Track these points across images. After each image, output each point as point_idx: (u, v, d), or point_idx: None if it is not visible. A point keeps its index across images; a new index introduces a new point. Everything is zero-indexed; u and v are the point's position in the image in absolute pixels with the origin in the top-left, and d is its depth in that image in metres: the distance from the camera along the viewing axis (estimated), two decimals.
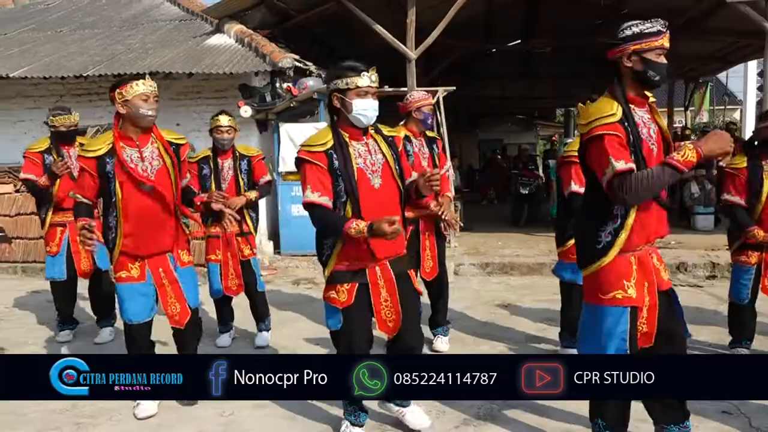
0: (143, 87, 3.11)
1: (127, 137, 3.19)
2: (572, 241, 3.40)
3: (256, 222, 4.55)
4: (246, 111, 7.24)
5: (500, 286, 6.43)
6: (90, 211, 3.24)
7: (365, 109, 2.70)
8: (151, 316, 3.34)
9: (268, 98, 7.47)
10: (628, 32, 2.36)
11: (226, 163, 4.39)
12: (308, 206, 2.75)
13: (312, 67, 8.31)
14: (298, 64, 7.73)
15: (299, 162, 2.78)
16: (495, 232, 9.42)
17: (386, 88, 9.19)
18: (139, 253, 3.25)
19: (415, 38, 8.46)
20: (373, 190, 2.75)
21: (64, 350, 4.57)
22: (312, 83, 7.57)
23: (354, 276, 2.79)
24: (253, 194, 4.37)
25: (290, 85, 7.53)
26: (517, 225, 10.45)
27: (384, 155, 2.82)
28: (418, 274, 4.00)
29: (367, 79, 2.69)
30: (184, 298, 3.34)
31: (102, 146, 3.16)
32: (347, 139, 2.77)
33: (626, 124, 2.34)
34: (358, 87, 2.68)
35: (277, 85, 7.51)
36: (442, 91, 9.25)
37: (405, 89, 8.62)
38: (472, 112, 19.34)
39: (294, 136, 7.65)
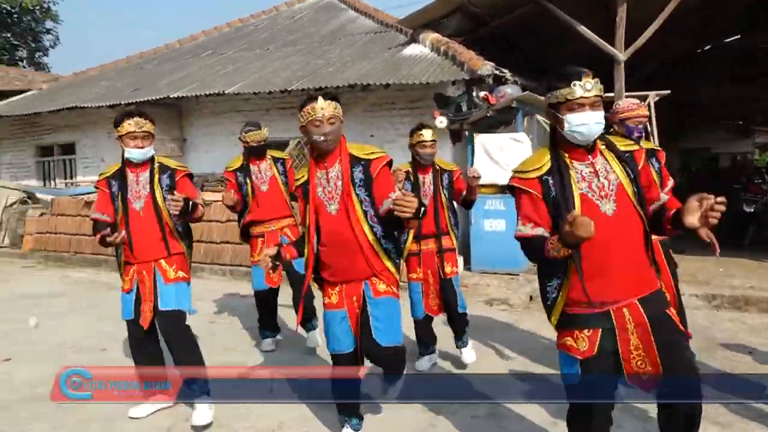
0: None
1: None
2: None
3: (459, 239, 4.29)
4: (441, 122, 7.03)
5: (734, 324, 5.43)
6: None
7: (580, 125, 2.24)
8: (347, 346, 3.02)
9: (464, 108, 7.20)
10: None
11: (427, 178, 4.19)
12: (521, 241, 2.37)
13: (507, 74, 7.91)
14: (495, 71, 7.36)
15: (511, 190, 2.43)
16: (712, 256, 8.16)
17: None
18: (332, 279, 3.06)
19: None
20: (604, 219, 2.26)
21: None
22: (510, 91, 7.15)
23: (597, 320, 2.32)
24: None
25: (487, 93, 7.19)
26: (739, 248, 9.02)
27: (618, 176, 2.33)
28: None
29: (580, 89, 2.22)
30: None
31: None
32: (568, 161, 2.33)
33: None
34: (568, 100, 2.24)
35: (474, 93, 7.21)
36: (653, 96, 8.30)
37: (611, 95, 7.84)
38: (673, 118, 17.43)
39: (489, 146, 7.29)
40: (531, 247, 2.34)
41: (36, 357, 4.74)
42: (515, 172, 2.43)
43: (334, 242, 2.97)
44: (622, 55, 7.74)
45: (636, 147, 2.53)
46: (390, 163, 2.99)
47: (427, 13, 8.48)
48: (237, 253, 8.19)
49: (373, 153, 2.97)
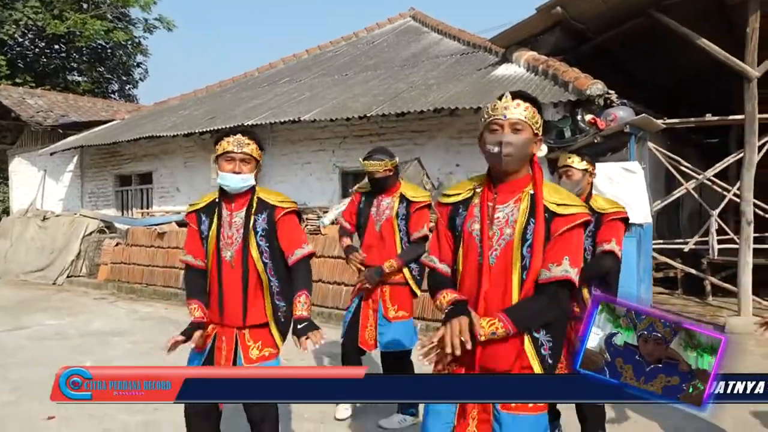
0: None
1: None
2: None
3: None
4: (541, 150, 6.14)
5: None
6: None
7: None
8: None
9: (567, 133, 6.28)
10: None
11: None
12: None
13: (613, 96, 6.94)
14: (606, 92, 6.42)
15: None
16: None
17: (708, 117, 7.38)
18: None
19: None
20: None
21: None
22: (623, 114, 6.18)
23: None
24: None
25: (594, 116, 6.24)
26: None
27: None
28: None
29: None
30: None
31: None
32: None
33: None
34: None
35: (579, 117, 6.28)
36: None
37: (740, 117, 6.73)
38: None
39: (596, 177, 6.32)
40: None
41: (82, 418, 4.16)
42: None
43: None
44: (755, 70, 6.61)
45: None
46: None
47: (523, 29, 7.66)
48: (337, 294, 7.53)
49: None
